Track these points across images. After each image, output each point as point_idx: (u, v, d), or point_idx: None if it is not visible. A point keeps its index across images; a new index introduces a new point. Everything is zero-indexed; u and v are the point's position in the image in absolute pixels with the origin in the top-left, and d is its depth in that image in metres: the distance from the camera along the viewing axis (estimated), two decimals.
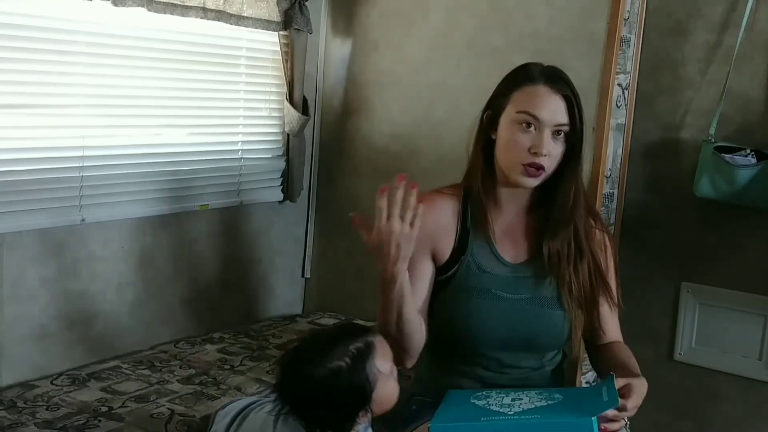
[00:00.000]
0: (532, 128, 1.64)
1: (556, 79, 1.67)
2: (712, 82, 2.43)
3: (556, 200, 1.71)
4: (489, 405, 1.58)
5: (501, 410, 1.55)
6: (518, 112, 1.65)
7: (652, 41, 2.53)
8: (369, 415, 1.45)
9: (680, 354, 2.55)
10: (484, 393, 1.64)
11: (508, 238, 1.77)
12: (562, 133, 1.66)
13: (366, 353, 1.41)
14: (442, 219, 1.76)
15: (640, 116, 2.57)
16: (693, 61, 2.47)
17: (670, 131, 2.52)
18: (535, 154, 1.64)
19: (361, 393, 1.40)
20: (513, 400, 1.59)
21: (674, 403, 2.57)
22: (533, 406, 1.56)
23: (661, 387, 2.59)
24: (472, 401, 1.60)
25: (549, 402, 1.58)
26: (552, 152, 1.65)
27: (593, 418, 1.48)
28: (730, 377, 2.48)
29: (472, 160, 1.77)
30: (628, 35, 2.47)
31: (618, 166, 2.56)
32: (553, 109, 1.64)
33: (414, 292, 1.67)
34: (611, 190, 2.54)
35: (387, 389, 1.44)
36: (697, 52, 2.46)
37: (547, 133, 1.64)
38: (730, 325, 2.47)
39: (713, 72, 2.43)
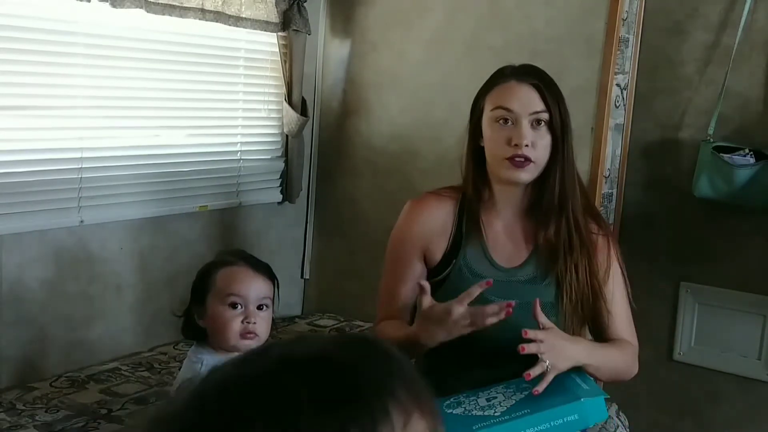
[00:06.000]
0: (510, 122, 1.66)
1: (525, 74, 1.70)
2: (711, 82, 2.43)
3: (545, 189, 1.71)
4: (469, 411, 1.54)
5: (485, 414, 1.51)
6: (493, 110, 1.68)
7: (651, 41, 2.53)
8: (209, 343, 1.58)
9: (680, 354, 2.55)
10: (452, 400, 1.60)
11: (504, 242, 1.76)
12: (543, 123, 1.67)
13: (220, 265, 1.62)
14: (437, 221, 1.77)
15: (638, 116, 2.56)
16: (691, 61, 2.47)
17: (669, 131, 2.52)
18: (516, 146, 1.64)
19: (203, 279, 1.61)
20: (488, 400, 1.56)
21: (674, 403, 2.57)
22: (514, 402, 1.52)
23: (660, 387, 2.60)
24: (447, 411, 1.56)
25: (524, 393, 1.54)
26: (537, 143, 1.66)
27: (602, 396, 1.48)
28: (730, 377, 2.48)
29: (465, 171, 1.78)
30: (627, 35, 2.47)
31: (617, 166, 2.56)
32: (524, 98, 1.66)
33: (401, 293, 1.75)
34: (610, 190, 2.54)
35: (218, 308, 1.56)
36: (695, 52, 2.46)
37: (525, 124, 1.65)
38: (729, 325, 2.47)
39: (712, 72, 2.43)
